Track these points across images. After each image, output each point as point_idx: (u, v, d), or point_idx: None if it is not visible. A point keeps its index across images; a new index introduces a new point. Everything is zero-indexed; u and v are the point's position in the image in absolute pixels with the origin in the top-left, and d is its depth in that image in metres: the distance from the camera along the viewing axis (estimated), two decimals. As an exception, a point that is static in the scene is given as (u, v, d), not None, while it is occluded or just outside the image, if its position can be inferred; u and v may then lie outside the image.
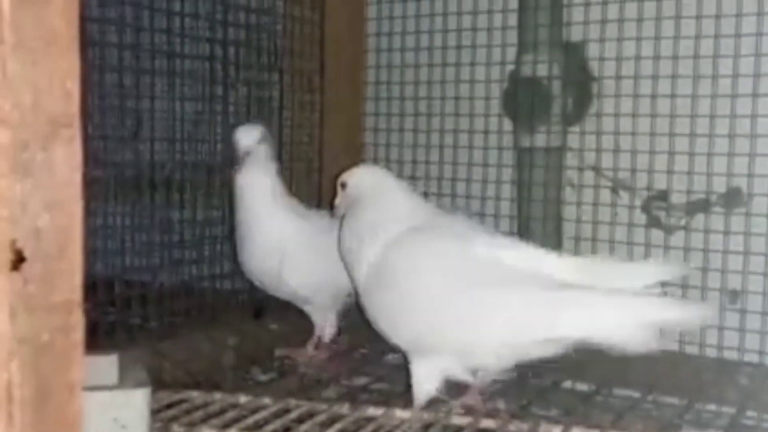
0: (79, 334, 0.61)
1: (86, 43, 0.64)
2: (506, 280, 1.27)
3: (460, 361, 1.33)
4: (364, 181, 1.51)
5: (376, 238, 1.40)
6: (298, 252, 1.65)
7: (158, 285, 1.91)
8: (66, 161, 0.59)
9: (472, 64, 2.08)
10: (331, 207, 1.59)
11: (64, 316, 0.60)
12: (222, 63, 1.99)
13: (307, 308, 1.79)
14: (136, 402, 0.93)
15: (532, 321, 1.24)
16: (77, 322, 0.60)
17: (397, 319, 1.37)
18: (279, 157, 2.05)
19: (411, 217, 1.43)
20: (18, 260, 0.55)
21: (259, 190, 1.65)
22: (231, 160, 1.64)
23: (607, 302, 1.21)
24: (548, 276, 1.26)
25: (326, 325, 1.77)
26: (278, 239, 1.64)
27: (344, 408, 1.32)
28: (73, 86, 0.58)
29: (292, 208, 1.69)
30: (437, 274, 1.33)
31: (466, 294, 1.29)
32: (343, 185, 1.53)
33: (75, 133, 0.58)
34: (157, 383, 1.21)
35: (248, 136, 1.62)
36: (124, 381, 0.98)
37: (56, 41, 0.56)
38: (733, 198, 1.80)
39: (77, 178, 0.60)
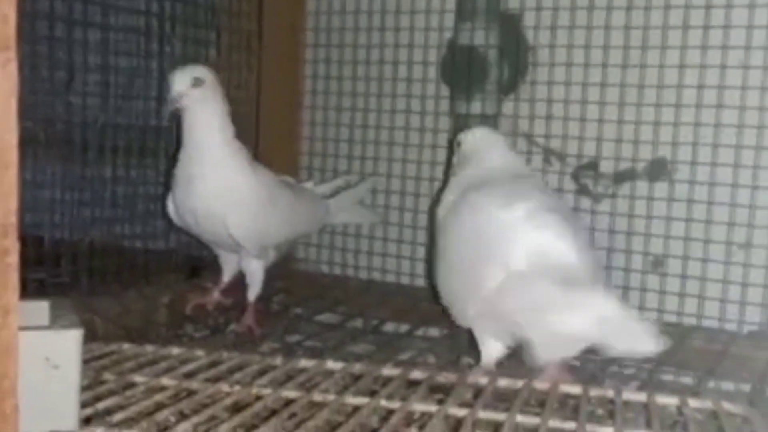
0: (14, 258, 0.62)
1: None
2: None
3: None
4: (474, 141, 1.61)
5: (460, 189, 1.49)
6: (246, 199, 1.64)
7: (89, 242, 1.90)
8: (1, 86, 0.59)
9: (411, 29, 2.11)
10: (448, 167, 1.68)
11: (0, 239, 0.60)
12: (158, 18, 1.96)
13: (230, 259, 1.78)
14: (68, 342, 0.93)
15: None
16: (13, 245, 0.61)
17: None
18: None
19: (501, 173, 1.50)
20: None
21: (208, 131, 1.60)
22: (167, 107, 1.59)
23: None
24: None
25: (254, 282, 1.76)
26: (228, 182, 1.62)
27: (276, 360, 1.35)
28: (10, 11, 0.59)
29: (242, 153, 1.67)
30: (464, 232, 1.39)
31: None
32: (459, 144, 1.63)
33: (11, 56, 0.59)
34: (89, 337, 1.21)
35: (180, 81, 1.57)
36: (55, 323, 0.98)
37: (-7, -37, 0.57)
38: (658, 167, 1.87)
39: (13, 103, 0.60)
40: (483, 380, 1.26)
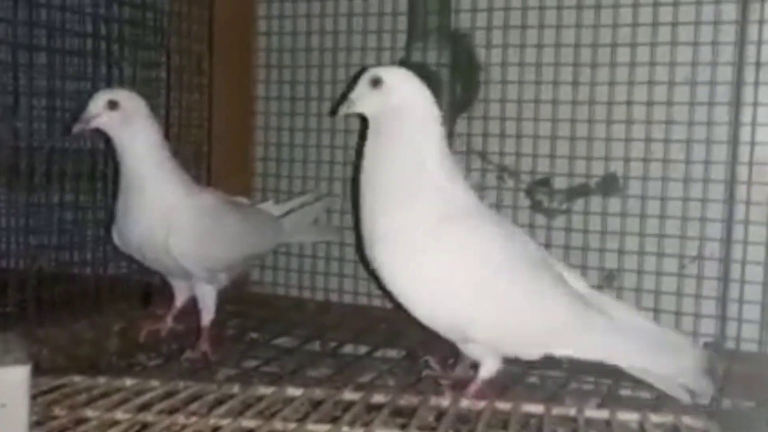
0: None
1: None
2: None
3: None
4: (408, 94, 1.30)
5: (410, 201, 1.29)
6: (186, 224, 1.60)
7: (36, 270, 1.84)
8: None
9: (363, 48, 2.10)
10: (342, 99, 1.37)
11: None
12: (106, 40, 1.92)
13: (182, 285, 1.75)
14: (16, 380, 0.89)
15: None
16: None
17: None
18: (166, 139, 2.01)
19: (446, 186, 1.32)
20: None
21: (138, 157, 1.58)
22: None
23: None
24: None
25: (207, 307, 1.72)
26: (166, 209, 1.59)
27: (234, 388, 1.31)
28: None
29: (179, 177, 1.64)
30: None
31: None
32: (377, 82, 1.30)
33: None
34: (37, 370, 1.17)
35: (95, 102, 1.55)
36: (2, 359, 0.94)
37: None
38: (610, 183, 1.89)
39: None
40: (444, 402, 1.25)
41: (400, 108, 1.29)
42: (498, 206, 1.97)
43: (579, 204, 1.92)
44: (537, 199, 1.97)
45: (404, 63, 2.06)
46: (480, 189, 1.99)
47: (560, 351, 1.32)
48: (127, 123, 1.57)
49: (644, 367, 1.33)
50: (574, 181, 1.92)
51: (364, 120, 1.37)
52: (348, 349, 1.82)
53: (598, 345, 1.30)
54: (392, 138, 1.29)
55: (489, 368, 1.34)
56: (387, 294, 1.35)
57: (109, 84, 1.91)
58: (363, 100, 1.32)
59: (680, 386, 1.34)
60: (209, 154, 2.14)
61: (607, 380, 1.56)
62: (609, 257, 1.86)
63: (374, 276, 1.36)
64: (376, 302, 2.06)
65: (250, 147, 2.23)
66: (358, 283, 2.11)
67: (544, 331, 1.31)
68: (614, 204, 1.87)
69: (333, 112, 1.54)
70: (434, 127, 1.32)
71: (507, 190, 1.98)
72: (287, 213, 1.99)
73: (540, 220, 1.96)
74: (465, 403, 1.24)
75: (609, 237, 1.86)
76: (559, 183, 1.94)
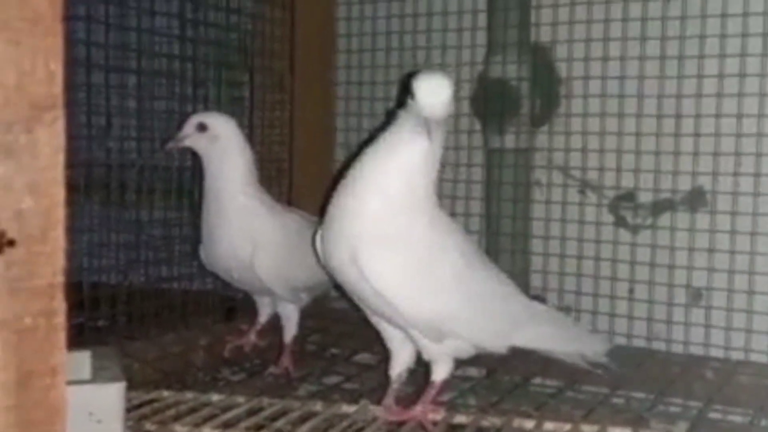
0: (61, 318, 0.60)
1: (64, 38, 0.63)
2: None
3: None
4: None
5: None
6: (270, 244, 1.63)
7: (127, 286, 1.90)
8: (49, 143, 0.58)
9: (442, 64, 2.10)
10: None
11: (47, 300, 0.59)
12: (193, 62, 1.98)
13: (265, 301, 1.78)
14: (111, 396, 0.92)
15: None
16: (59, 305, 0.60)
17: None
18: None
19: None
20: (4, 243, 0.55)
21: (224, 179, 1.62)
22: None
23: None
24: None
25: (289, 324, 1.75)
26: (250, 229, 1.62)
27: (317, 405, 1.32)
28: (57, 67, 0.58)
29: (263, 199, 1.67)
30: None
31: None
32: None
33: (58, 114, 0.58)
34: (127, 384, 1.20)
35: (189, 123, 1.62)
36: (98, 376, 0.97)
37: (40, 21, 0.56)
38: (697, 197, 1.83)
39: (60, 160, 0.59)
40: (528, 424, 1.23)
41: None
42: (581, 222, 1.94)
43: (665, 219, 1.87)
44: (621, 214, 1.93)
45: (483, 78, 2.06)
46: (563, 205, 1.96)
47: (519, 341, 1.35)
48: (216, 144, 1.62)
49: (566, 350, 1.41)
50: (660, 195, 1.87)
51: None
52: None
53: (542, 333, 1.37)
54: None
55: (444, 371, 1.35)
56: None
57: (195, 104, 1.96)
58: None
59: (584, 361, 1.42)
60: (291, 172, 2.17)
61: (697, 403, 1.51)
62: (697, 275, 1.80)
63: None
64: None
65: (331, 164, 2.25)
66: (437, 299, 2.10)
67: (509, 323, 1.35)
68: (702, 220, 1.81)
69: None
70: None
71: (589, 205, 1.95)
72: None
73: (624, 236, 1.91)
74: (549, 425, 1.21)
75: (697, 254, 1.80)
76: (644, 198, 1.89)
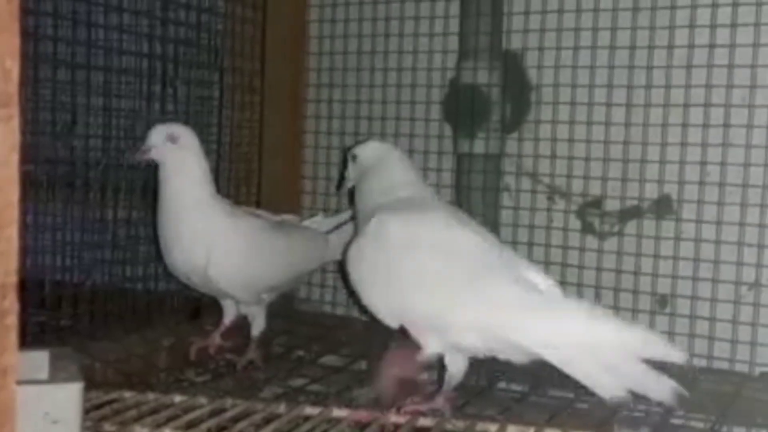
0: (13, 319, 0.60)
1: (21, 33, 0.63)
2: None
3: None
4: (372, 154, 1.60)
5: (371, 205, 1.49)
6: (225, 250, 1.64)
7: (90, 285, 1.88)
8: (4, 141, 0.58)
9: (414, 69, 2.11)
10: (341, 179, 1.70)
11: (-1, 300, 0.59)
12: (161, 60, 1.97)
13: (229, 303, 1.78)
14: (68, 397, 0.91)
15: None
16: (12, 306, 0.60)
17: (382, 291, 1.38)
18: (218, 157, 2.05)
19: (404, 188, 1.51)
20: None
21: (182, 188, 1.62)
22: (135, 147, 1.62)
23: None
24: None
25: (256, 321, 1.76)
26: (205, 236, 1.62)
27: (281, 407, 1.32)
28: (13, 65, 0.57)
29: (219, 206, 1.68)
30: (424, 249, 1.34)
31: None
32: (354, 158, 1.61)
33: (13, 112, 0.58)
34: (88, 384, 1.19)
35: (154, 135, 1.61)
36: (55, 376, 0.96)
37: (-4, 18, 0.56)
38: (663, 205, 1.86)
39: (15, 158, 0.59)
40: (492, 427, 1.24)
41: (371, 166, 1.59)
42: (548, 228, 1.96)
43: (631, 226, 1.89)
44: (588, 221, 1.95)
45: (454, 83, 2.07)
46: (531, 210, 1.98)
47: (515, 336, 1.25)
48: (181, 157, 1.62)
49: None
50: (627, 203, 1.89)
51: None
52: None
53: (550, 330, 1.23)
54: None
55: (453, 367, 1.38)
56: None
57: (163, 103, 1.95)
58: (349, 175, 1.63)
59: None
60: (259, 172, 2.17)
61: (659, 409, 1.53)
62: (662, 282, 1.82)
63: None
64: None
65: (300, 165, 2.25)
66: (405, 302, 2.10)
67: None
68: (668, 227, 1.84)
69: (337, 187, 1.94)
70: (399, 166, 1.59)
71: (557, 211, 1.96)
72: (336, 228, 2.00)
73: (591, 242, 1.93)
74: (512, 429, 1.22)
75: (662, 261, 1.83)
76: (611, 205, 1.91)
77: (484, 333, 1.28)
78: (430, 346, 1.35)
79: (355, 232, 1.54)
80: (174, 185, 1.62)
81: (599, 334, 1.19)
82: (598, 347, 1.19)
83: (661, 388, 1.19)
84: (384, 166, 1.56)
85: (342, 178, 1.72)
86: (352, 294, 1.50)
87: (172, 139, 1.61)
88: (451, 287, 1.31)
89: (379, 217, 1.41)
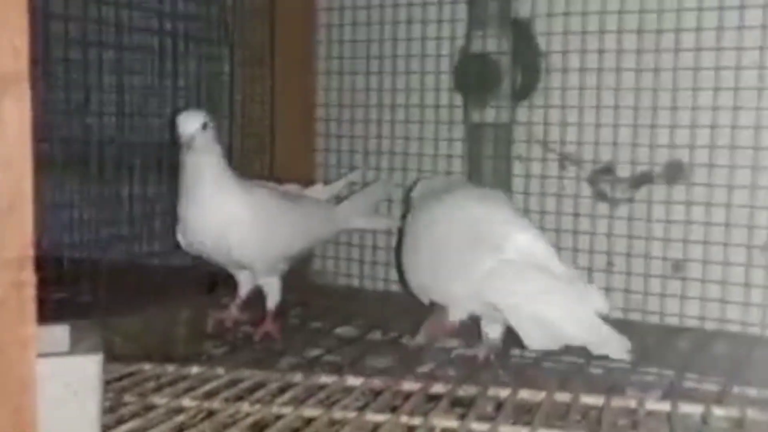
0: (31, 290, 0.62)
1: (30, 12, 0.64)
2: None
3: None
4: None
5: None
6: (245, 222, 1.68)
7: (108, 261, 1.91)
8: (16, 118, 0.59)
9: (423, 38, 2.10)
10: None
11: (16, 272, 0.61)
12: (171, 36, 1.97)
13: (244, 276, 1.82)
14: (88, 368, 0.93)
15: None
16: (29, 277, 0.61)
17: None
18: (230, 132, 2.06)
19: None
20: (-30, 215, 0.56)
21: (205, 170, 1.66)
22: (177, 145, 1.64)
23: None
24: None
25: (272, 292, 1.79)
26: (225, 209, 1.67)
27: (297, 377, 1.34)
28: (22, 43, 0.59)
29: (235, 179, 1.72)
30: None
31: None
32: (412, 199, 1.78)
33: (24, 90, 0.59)
34: (108, 357, 1.22)
35: (190, 124, 1.64)
36: (75, 348, 0.98)
37: (4, -2, 0.57)
38: (675, 170, 1.85)
39: (27, 135, 0.60)
40: (503, 393, 1.26)
41: None
42: (559, 195, 1.96)
43: (642, 192, 1.89)
44: (599, 187, 1.95)
45: (464, 52, 2.06)
46: (542, 178, 1.98)
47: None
48: (208, 142, 1.67)
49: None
50: (638, 169, 1.89)
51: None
52: (407, 339, 1.83)
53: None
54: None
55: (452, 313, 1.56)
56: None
57: (174, 78, 1.96)
58: None
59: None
60: (272, 146, 2.18)
61: (671, 372, 1.54)
62: (674, 247, 1.83)
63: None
64: (437, 292, 2.07)
65: (312, 138, 2.26)
66: (418, 272, 2.12)
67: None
68: (679, 192, 1.84)
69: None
70: None
71: (569, 179, 1.97)
72: (343, 199, 2.02)
73: (603, 209, 1.93)
74: (523, 394, 1.24)
75: (674, 226, 1.83)
76: (622, 171, 1.91)
77: (474, 301, 1.47)
78: (452, 314, 1.54)
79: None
80: (198, 170, 1.67)
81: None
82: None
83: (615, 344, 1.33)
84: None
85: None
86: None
87: (205, 126, 1.65)
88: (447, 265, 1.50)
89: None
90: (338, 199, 2.04)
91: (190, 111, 1.71)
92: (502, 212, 1.52)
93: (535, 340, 1.36)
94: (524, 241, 1.44)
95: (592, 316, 1.33)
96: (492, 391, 1.27)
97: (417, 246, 1.61)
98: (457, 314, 1.54)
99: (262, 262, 1.73)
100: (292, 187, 1.92)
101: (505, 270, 1.41)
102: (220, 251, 1.71)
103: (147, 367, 1.38)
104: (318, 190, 1.98)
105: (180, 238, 1.75)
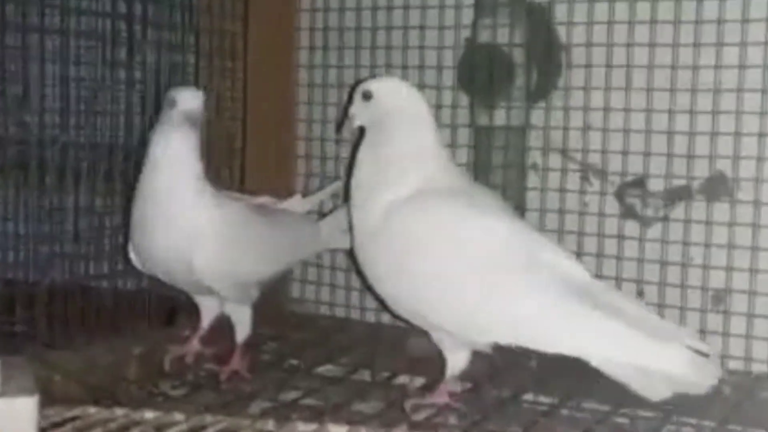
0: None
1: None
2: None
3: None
4: (394, 99, 1.55)
5: (395, 184, 1.49)
6: (212, 238, 1.65)
7: (48, 284, 1.90)
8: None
9: (422, 27, 2.11)
10: (343, 118, 1.66)
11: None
12: (126, 21, 1.97)
13: (209, 302, 1.80)
14: (21, 412, 0.93)
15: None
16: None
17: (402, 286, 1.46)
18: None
19: (425, 161, 1.52)
20: None
21: (179, 167, 1.64)
22: (188, 123, 1.61)
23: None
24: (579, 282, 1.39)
25: (241, 323, 1.78)
26: (190, 221, 1.64)
27: (269, 424, 1.33)
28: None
29: (207, 193, 1.69)
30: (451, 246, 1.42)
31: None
32: (367, 95, 1.56)
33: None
34: (46, 399, 1.21)
35: (193, 98, 1.63)
36: (6, 389, 0.98)
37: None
38: (716, 184, 1.86)
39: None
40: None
41: (390, 112, 1.53)
42: (581, 213, 1.96)
43: (679, 210, 1.90)
44: (628, 204, 1.96)
45: (471, 43, 2.07)
46: (561, 192, 1.98)
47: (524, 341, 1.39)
48: (181, 135, 1.64)
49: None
50: (673, 183, 1.89)
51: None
52: (403, 379, 1.83)
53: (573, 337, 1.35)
54: (384, 139, 1.53)
55: (454, 364, 1.52)
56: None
57: (129, 71, 1.96)
58: (359, 115, 1.58)
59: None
60: (243, 151, 2.18)
61: (712, 423, 1.54)
62: (715, 275, 1.83)
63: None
64: (436, 325, 2.07)
65: (292, 143, 2.26)
66: (415, 301, 2.11)
67: (492, 315, 1.39)
68: (721, 211, 1.84)
69: (337, 130, 1.92)
70: (426, 124, 1.55)
71: (592, 194, 1.97)
72: (326, 213, 2.02)
73: (632, 229, 1.94)
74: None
75: (715, 251, 1.83)
76: (655, 185, 1.92)
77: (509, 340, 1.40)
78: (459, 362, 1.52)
79: (359, 202, 1.54)
80: (173, 161, 1.65)
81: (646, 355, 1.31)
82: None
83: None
84: (404, 122, 1.53)
85: (343, 118, 1.67)
86: (368, 288, 1.59)
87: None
88: (473, 292, 1.39)
89: (397, 207, 1.46)
90: (321, 214, 2.04)
91: (183, 86, 1.70)
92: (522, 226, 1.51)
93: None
94: (557, 260, 1.41)
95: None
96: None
97: (409, 262, 1.47)
98: (459, 365, 1.52)
99: (230, 286, 1.71)
100: (266, 200, 1.92)
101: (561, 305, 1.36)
102: (181, 272, 1.68)
103: (92, 410, 1.37)
104: (296, 203, 1.98)
105: (133, 255, 1.74)
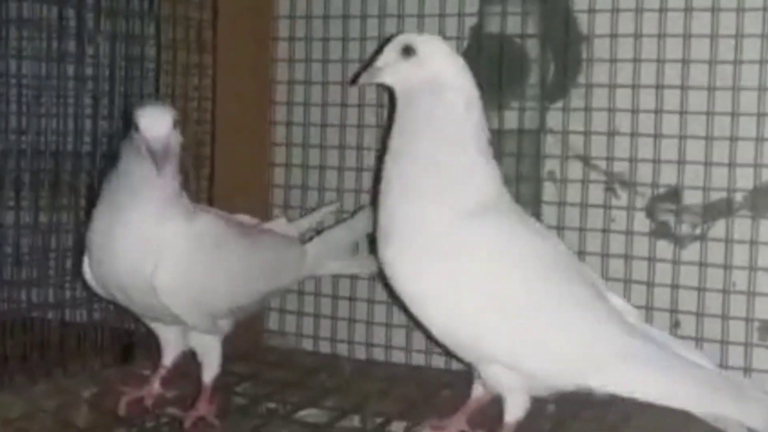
0: None
1: None
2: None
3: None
4: (447, 68, 1.47)
5: (453, 194, 1.45)
6: (178, 257, 1.64)
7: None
8: None
9: (420, 15, 2.12)
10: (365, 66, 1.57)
11: None
12: (76, 8, 1.98)
13: (172, 335, 1.80)
14: (-45, 465, 0.93)
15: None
16: None
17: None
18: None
19: (490, 169, 1.51)
20: None
21: (153, 182, 1.60)
22: (151, 155, 1.55)
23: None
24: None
25: (209, 360, 1.77)
26: (155, 236, 1.62)
27: (242, 479, 1.34)
28: None
29: (180, 202, 1.68)
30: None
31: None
32: (409, 50, 1.47)
33: None
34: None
35: (160, 122, 1.58)
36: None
37: None
38: (762, 197, 1.87)
39: None
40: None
41: (435, 83, 1.45)
42: (606, 231, 1.97)
43: (719, 227, 1.91)
44: (660, 220, 1.97)
45: (476, 33, 2.08)
46: (583, 206, 1.99)
47: (596, 382, 1.43)
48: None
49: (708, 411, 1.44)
50: (713, 196, 1.91)
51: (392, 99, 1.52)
52: (397, 427, 1.84)
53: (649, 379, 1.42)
54: (424, 117, 1.45)
55: (514, 408, 1.48)
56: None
57: (79, 65, 1.96)
58: (391, 70, 1.48)
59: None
60: (212, 159, 2.18)
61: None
62: (761, 303, 1.84)
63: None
64: (437, 362, 2.08)
65: (267, 149, 2.27)
66: (411, 336, 2.12)
67: (571, 354, 1.43)
68: (768, 228, 1.86)
69: (353, 80, 1.73)
70: (474, 108, 1.49)
71: (619, 208, 1.98)
72: (312, 237, 2.02)
73: (664, 249, 1.95)
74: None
75: (761, 275, 1.84)
76: (692, 198, 1.93)
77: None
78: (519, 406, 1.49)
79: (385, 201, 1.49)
80: (147, 174, 1.62)
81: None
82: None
83: None
84: (458, 104, 1.46)
85: (366, 66, 1.57)
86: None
87: (175, 124, 1.61)
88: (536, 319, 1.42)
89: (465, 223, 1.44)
90: (304, 234, 2.03)
91: (150, 102, 1.68)
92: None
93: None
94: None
95: None
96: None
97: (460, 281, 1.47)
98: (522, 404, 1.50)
99: (198, 314, 1.69)
100: (244, 219, 1.92)
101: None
102: (141, 293, 1.65)
103: (35, 463, 1.37)
104: (280, 226, 1.98)
105: (88, 274, 1.72)
